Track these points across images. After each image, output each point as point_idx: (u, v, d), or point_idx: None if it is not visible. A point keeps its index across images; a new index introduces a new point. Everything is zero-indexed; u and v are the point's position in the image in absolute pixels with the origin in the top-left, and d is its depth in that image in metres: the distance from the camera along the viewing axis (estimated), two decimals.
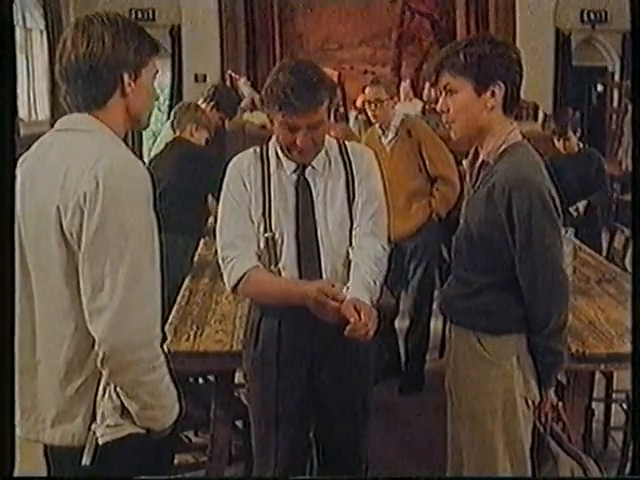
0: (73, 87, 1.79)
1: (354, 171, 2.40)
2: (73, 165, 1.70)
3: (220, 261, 2.39)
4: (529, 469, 2.26)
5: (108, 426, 1.75)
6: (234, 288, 2.37)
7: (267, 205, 2.36)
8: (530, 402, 2.24)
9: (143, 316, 1.70)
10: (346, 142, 2.48)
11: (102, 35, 1.76)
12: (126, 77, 1.79)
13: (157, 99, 1.96)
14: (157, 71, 1.90)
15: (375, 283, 2.35)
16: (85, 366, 1.75)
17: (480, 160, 2.24)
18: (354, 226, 2.39)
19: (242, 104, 11.05)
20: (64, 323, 1.74)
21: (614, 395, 3.69)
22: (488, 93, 2.15)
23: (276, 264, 2.36)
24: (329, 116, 2.34)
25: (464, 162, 2.35)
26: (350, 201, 2.38)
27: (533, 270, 2.13)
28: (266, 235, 2.35)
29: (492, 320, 2.21)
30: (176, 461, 3.30)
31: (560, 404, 2.30)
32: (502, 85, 2.15)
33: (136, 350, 1.69)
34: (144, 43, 1.82)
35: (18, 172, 1.81)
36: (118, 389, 1.74)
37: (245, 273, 2.33)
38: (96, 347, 1.68)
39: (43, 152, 1.81)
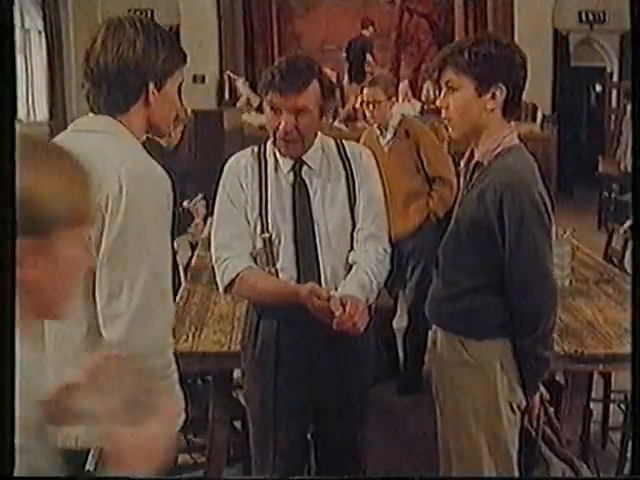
0: (97, 89, 1.78)
1: (354, 172, 2.40)
2: (94, 167, 1.69)
3: (214, 261, 2.39)
4: (515, 473, 2.25)
5: None
6: (227, 288, 2.37)
7: (264, 205, 2.36)
8: (516, 407, 2.23)
9: (158, 324, 1.69)
10: (344, 142, 2.48)
11: (134, 40, 1.74)
12: (151, 86, 1.77)
13: (178, 109, 1.93)
14: (183, 80, 1.88)
15: (372, 283, 2.35)
16: None
17: (474, 161, 2.24)
18: (356, 229, 2.39)
19: (238, 104, 11.07)
20: (75, 325, 1.73)
21: (612, 396, 3.68)
22: (489, 94, 2.15)
23: (274, 264, 2.36)
24: (321, 113, 2.34)
25: (462, 162, 2.34)
26: (351, 203, 2.38)
27: (521, 274, 2.12)
28: (263, 236, 2.35)
29: (476, 324, 2.21)
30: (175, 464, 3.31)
31: (551, 408, 2.29)
32: (504, 88, 2.14)
33: (149, 358, 1.68)
34: (173, 53, 1.81)
35: None
36: None
37: (238, 274, 2.33)
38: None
39: None
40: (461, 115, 2.19)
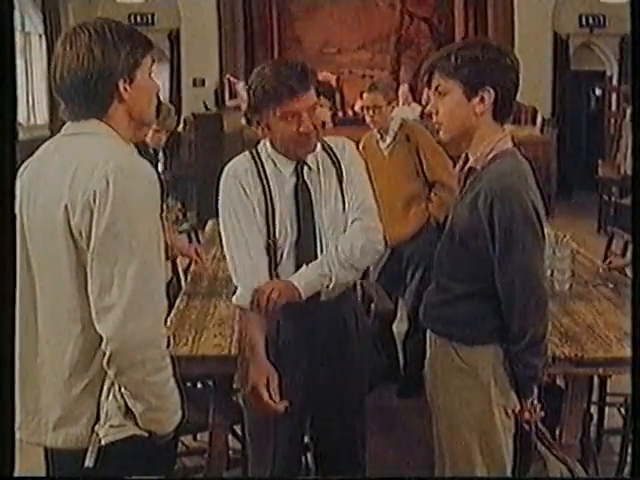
0: (71, 102, 1.79)
1: (341, 164, 2.42)
2: (82, 165, 1.70)
3: (233, 275, 2.39)
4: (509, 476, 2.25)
5: (111, 426, 1.74)
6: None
7: (270, 211, 2.35)
8: (510, 411, 2.21)
9: (151, 315, 1.70)
10: (325, 138, 2.47)
11: (90, 47, 1.74)
12: (121, 84, 1.78)
13: (158, 91, 1.93)
14: (153, 63, 1.87)
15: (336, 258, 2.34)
16: (90, 367, 1.75)
17: (468, 166, 2.23)
18: (345, 215, 2.40)
19: (228, 104, 11.06)
20: (69, 323, 1.74)
21: (608, 399, 3.68)
22: (477, 98, 2.14)
23: (276, 268, 2.36)
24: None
25: (456, 167, 2.34)
26: (343, 195, 2.40)
27: (511, 281, 2.11)
28: (269, 241, 2.35)
29: (467, 330, 2.20)
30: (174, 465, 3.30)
31: (542, 413, 2.27)
32: (492, 91, 2.13)
33: (143, 349, 1.69)
34: (135, 45, 1.80)
35: (23, 174, 1.82)
36: (123, 389, 1.73)
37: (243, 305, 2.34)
38: (103, 346, 1.68)
39: (49, 155, 1.81)
40: (450, 119, 2.18)
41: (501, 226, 2.08)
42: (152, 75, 1.88)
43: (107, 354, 1.68)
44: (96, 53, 1.74)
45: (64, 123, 1.86)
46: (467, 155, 2.26)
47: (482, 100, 2.14)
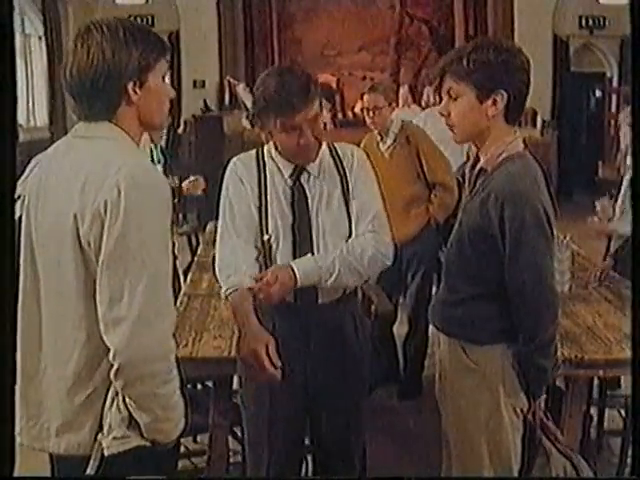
0: (79, 100, 1.76)
1: (347, 173, 2.42)
2: (93, 172, 1.67)
3: (220, 267, 2.38)
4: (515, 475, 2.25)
5: (115, 438, 1.72)
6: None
7: (264, 207, 2.37)
8: (519, 410, 2.21)
9: (160, 328, 1.67)
10: (335, 144, 2.48)
11: (101, 45, 1.70)
12: (130, 86, 1.73)
13: (172, 98, 1.89)
14: (168, 69, 1.84)
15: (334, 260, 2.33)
16: (95, 376, 1.73)
17: (479, 167, 2.23)
18: (353, 228, 2.39)
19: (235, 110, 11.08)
20: (74, 332, 1.72)
21: (608, 400, 3.68)
22: (490, 101, 2.13)
23: (271, 265, 2.37)
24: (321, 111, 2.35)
25: (467, 168, 2.33)
26: (347, 204, 2.40)
27: (520, 283, 2.10)
28: (263, 237, 2.36)
29: (475, 330, 2.20)
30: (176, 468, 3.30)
31: (545, 414, 2.27)
32: (504, 94, 2.12)
33: (152, 362, 1.66)
34: (149, 47, 1.76)
35: (32, 172, 1.80)
36: (129, 401, 1.70)
37: (235, 289, 2.32)
38: (110, 358, 1.65)
39: (60, 156, 1.78)
40: (463, 122, 2.18)
41: (511, 229, 2.08)
42: (166, 80, 1.84)
43: (115, 366, 1.65)
44: (106, 52, 1.70)
45: (64, 124, 1.84)
46: (478, 155, 2.26)
47: (494, 103, 2.14)
